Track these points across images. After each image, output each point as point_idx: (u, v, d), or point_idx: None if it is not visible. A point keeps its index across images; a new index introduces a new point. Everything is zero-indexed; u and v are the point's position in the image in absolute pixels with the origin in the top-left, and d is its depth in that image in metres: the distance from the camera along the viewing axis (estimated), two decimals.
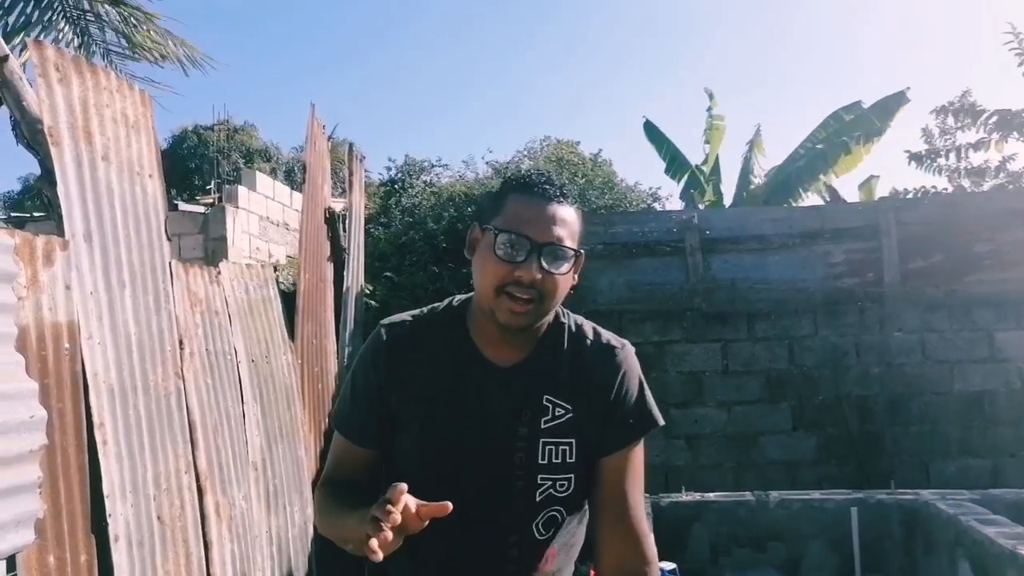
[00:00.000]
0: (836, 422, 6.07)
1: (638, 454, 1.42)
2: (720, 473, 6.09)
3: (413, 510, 1.11)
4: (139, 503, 2.83)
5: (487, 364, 1.37)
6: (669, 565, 2.68)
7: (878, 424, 6.05)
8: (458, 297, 1.47)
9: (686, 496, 5.05)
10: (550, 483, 1.36)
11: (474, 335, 1.39)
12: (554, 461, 1.36)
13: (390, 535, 1.07)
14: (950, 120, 9.94)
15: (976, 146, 9.48)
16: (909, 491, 4.96)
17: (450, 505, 1.11)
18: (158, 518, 2.94)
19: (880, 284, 6.21)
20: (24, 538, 2.19)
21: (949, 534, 4.23)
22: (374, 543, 1.05)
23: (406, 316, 1.45)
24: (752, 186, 10.17)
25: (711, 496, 5.05)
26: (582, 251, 1.34)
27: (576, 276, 1.36)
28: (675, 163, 10.16)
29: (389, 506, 1.08)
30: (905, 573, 4.66)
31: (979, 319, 6.09)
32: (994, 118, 9.05)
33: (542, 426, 1.36)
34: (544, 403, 1.36)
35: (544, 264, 1.27)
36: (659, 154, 10.24)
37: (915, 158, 9.58)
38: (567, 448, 1.36)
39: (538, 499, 1.36)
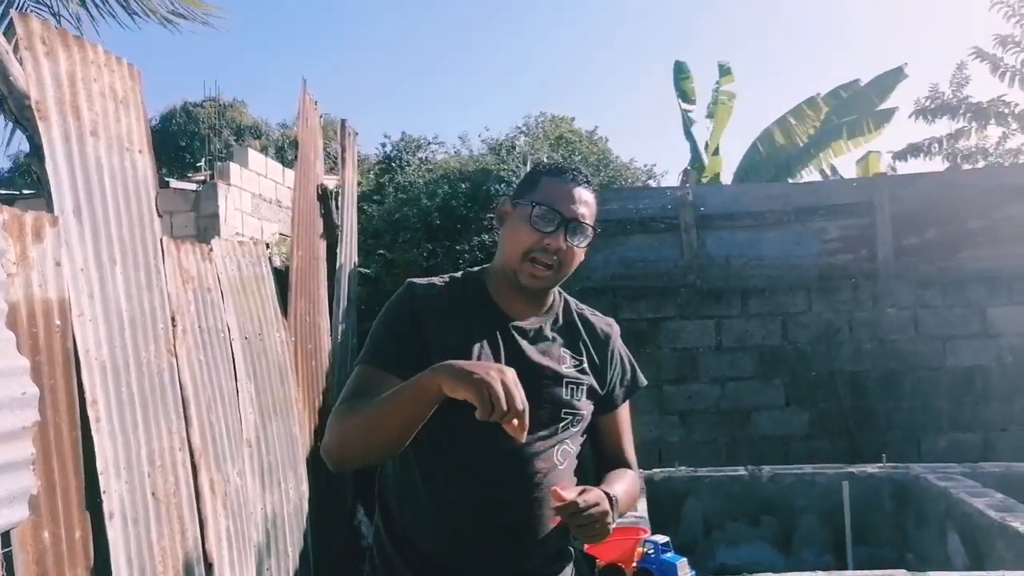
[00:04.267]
0: (829, 398, 6.10)
1: (627, 410, 1.72)
2: (714, 449, 6.12)
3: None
4: (133, 480, 2.83)
5: (509, 319, 1.57)
6: (663, 538, 2.70)
7: (870, 400, 6.08)
8: (471, 270, 1.67)
9: (680, 471, 5.08)
10: (569, 418, 1.56)
11: (493, 296, 1.59)
12: (575, 398, 1.57)
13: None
14: (928, 117, 9.94)
15: (956, 136, 9.51)
16: (900, 465, 5.01)
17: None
18: (152, 495, 2.94)
19: (874, 260, 6.22)
20: (19, 514, 2.19)
21: (939, 507, 4.27)
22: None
23: (431, 278, 1.63)
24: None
25: (704, 471, 5.08)
26: (598, 229, 1.59)
27: (585, 253, 1.61)
28: (688, 128, 10.08)
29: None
30: (896, 545, 4.71)
31: (972, 295, 6.11)
32: (969, 113, 9.07)
33: (563, 370, 1.58)
34: (563, 354, 1.60)
35: (568, 236, 1.52)
36: (683, 102, 9.99)
37: (899, 156, 9.60)
38: (583, 389, 1.59)
39: (559, 432, 1.55)
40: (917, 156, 9.49)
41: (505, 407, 1.22)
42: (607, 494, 1.45)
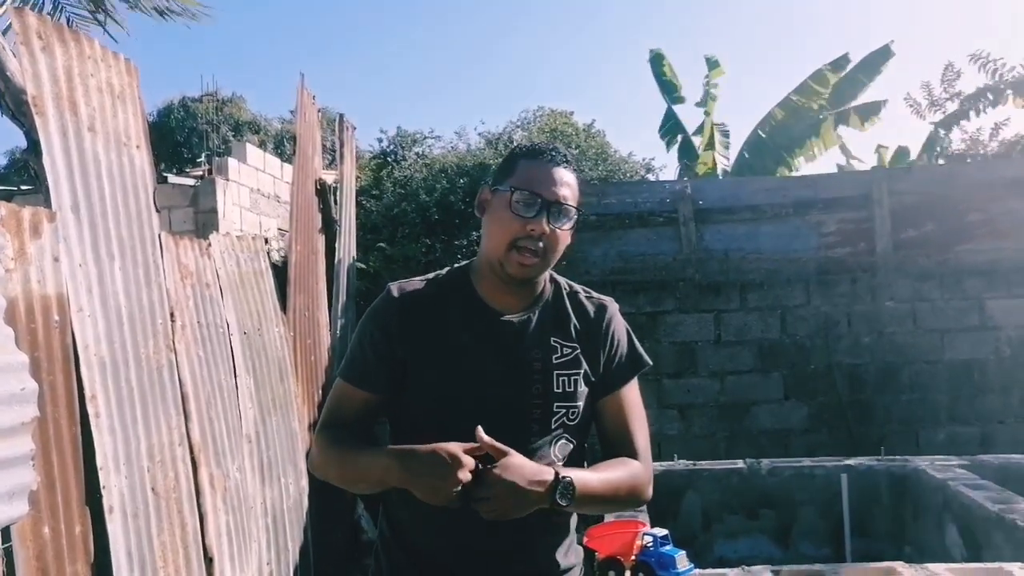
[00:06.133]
0: (827, 391, 6.12)
1: (635, 391, 1.61)
2: (713, 442, 6.13)
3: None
4: (133, 475, 2.83)
5: (496, 313, 1.52)
6: (661, 531, 2.71)
7: (869, 393, 6.10)
8: (457, 265, 1.62)
9: (679, 464, 5.09)
10: (564, 411, 1.51)
11: (479, 289, 1.54)
12: (567, 390, 1.52)
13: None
14: (938, 91, 9.83)
15: (994, 102, 9.23)
16: (898, 458, 5.02)
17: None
18: (152, 490, 2.94)
19: (872, 254, 6.23)
20: (18, 510, 2.19)
21: (937, 499, 4.28)
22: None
23: (413, 278, 1.58)
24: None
25: (703, 464, 5.09)
26: (582, 210, 1.51)
27: (571, 236, 1.53)
28: (670, 122, 10.01)
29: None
30: (894, 538, 4.73)
31: (970, 288, 6.12)
32: (1013, 72, 8.80)
33: (553, 361, 1.52)
34: (553, 344, 1.53)
35: (551, 220, 1.45)
36: (666, 97, 9.86)
37: (943, 125, 9.43)
38: (577, 378, 1.53)
39: (553, 426, 1.50)
40: (952, 128, 9.38)
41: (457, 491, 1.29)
42: (556, 474, 1.35)
